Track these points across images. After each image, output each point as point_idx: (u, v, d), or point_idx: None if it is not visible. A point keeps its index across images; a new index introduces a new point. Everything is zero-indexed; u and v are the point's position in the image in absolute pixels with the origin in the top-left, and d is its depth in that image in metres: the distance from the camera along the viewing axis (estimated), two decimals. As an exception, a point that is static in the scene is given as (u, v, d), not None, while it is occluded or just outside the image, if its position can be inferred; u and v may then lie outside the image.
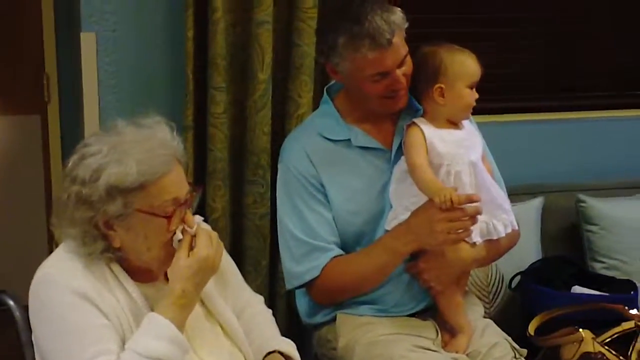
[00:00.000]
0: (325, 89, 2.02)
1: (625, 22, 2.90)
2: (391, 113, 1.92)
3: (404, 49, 1.82)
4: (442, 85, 1.85)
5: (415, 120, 1.87)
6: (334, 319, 1.95)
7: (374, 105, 1.89)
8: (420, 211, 1.81)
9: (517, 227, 1.96)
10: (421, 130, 1.84)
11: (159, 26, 2.32)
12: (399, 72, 1.82)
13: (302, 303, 2.02)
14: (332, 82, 2.05)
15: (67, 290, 1.45)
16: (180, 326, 1.47)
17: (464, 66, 1.86)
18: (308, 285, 1.93)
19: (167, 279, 1.55)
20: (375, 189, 1.91)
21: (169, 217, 1.50)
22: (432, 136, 1.83)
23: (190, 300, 1.50)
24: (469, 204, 1.74)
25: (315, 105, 2.20)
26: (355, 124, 1.93)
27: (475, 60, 1.88)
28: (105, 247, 1.50)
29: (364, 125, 1.93)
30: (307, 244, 1.89)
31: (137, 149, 1.48)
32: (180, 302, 1.48)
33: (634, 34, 2.91)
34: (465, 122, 1.93)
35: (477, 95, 1.88)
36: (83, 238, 1.49)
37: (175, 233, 1.54)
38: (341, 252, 1.91)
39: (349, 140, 1.91)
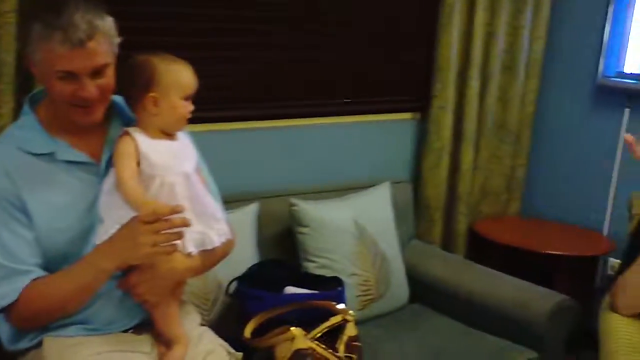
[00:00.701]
0: (26, 99, 1.90)
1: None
2: (84, 125, 1.83)
3: (103, 59, 1.75)
4: (156, 95, 1.83)
5: (129, 129, 1.83)
6: (40, 344, 1.84)
7: (65, 113, 1.80)
8: (124, 225, 1.76)
9: (231, 236, 1.99)
10: (134, 139, 1.81)
11: None
12: (90, 81, 1.75)
13: (3, 330, 1.87)
14: (34, 91, 1.95)
15: None
16: None
17: (178, 77, 1.85)
18: (6, 311, 1.80)
19: None
20: (83, 204, 1.83)
21: None
22: (145, 146, 1.80)
23: None
24: (175, 215, 1.72)
25: (17, 116, 2.07)
26: (59, 136, 1.83)
27: (190, 72, 1.87)
28: None
29: (70, 137, 1.84)
30: (4, 268, 1.76)
31: None
32: None
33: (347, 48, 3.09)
34: (180, 133, 1.92)
35: (192, 107, 1.88)
36: None
37: None
38: (43, 273, 1.80)
39: (52, 153, 1.82)
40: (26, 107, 1.88)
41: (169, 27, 2.61)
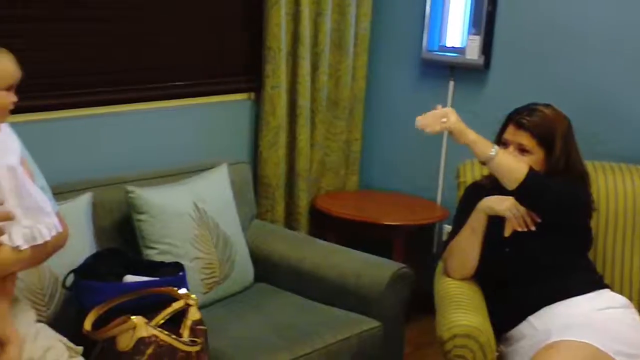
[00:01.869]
0: None
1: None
2: None
3: None
4: None
5: None
6: None
7: None
8: None
9: (62, 229, 1.94)
10: None
11: None
12: None
13: None
14: None
15: None
16: None
17: (10, 68, 1.78)
18: None
19: None
20: None
21: None
22: None
23: None
24: None
25: None
26: None
27: (11, 61, 1.80)
28: None
29: None
30: None
31: None
32: None
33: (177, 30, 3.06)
34: (2, 125, 1.84)
35: (15, 98, 1.81)
36: None
37: None
38: None
39: None
40: None
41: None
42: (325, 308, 2.80)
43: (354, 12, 3.55)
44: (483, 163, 2.35)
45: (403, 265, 2.83)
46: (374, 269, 2.80)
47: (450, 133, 2.35)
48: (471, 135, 2.32)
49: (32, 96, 2.32)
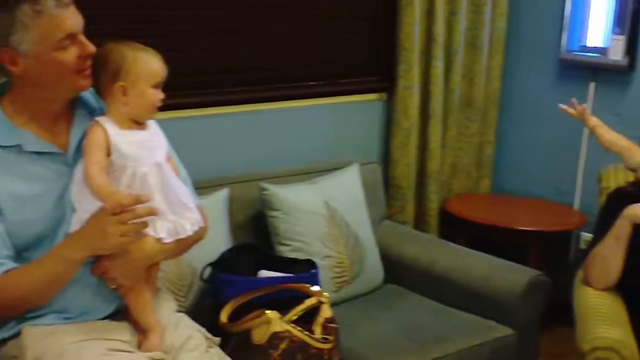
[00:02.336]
0: None
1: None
2: (85, 89, 1.86)
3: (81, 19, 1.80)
4: (124, 84, 1.81)
5: (98, 119, 1.82)
6: (18, 333, 1.83)
7: (66, 88, 1.82)
8: (93, 216, 1.76)
9: (203, 224, 1.99)
10: (104, 129, 1.80)
11: None
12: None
13: None
14: None
15: None
16: None
17: (147, 65, 1.83)
18: None
19: None
20: (53, 194, 1.83)
21: None
22: (115, 136, 1.80)
23: None
24: (141, 205, 1.72)
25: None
26: (25, 128, 1.82)
27: (159, 60, 1.86)
28: None
29: (36, 129, 1.83)
30: None
31: None
32: None
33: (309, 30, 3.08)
34: (150, 122, 1.91)
35: (162, 95, 1.87)
36: None
37: None
38: (14, 265, 1.79)
39: (19, 145, 1.80)
40: None
41: (132, 15, 2.61)
42: (457, 312, 2.75)
43: (489, 11, 3.48)
44: (632, 170, 2.25)
45: (539, 272, 2.74)
46: (509, 275, 2.72)
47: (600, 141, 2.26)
48: (622, 141, 2.22)
49: (177, 94, 2.39)
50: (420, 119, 3.40)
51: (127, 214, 1.70)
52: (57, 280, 1.81)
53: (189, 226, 1.91)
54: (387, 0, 3.27)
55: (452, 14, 3.38)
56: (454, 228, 3.44)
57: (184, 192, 1.92)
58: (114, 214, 1.70)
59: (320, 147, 3.18)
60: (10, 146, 1.80)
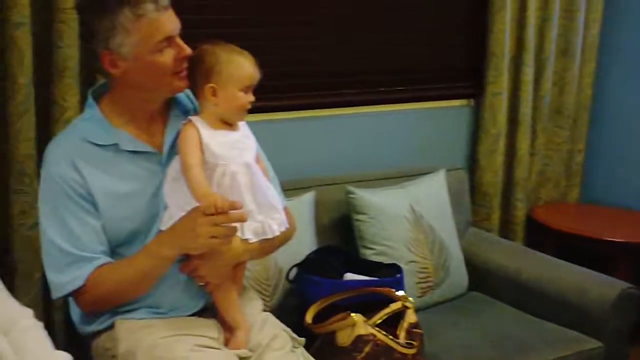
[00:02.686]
0: (89, 92, 1.96)
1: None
2: (180, 91, 1.91)
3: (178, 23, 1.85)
4: (214, 85, 1.85)
5: (192, 118, 1.87)
6: (111, 326, 1.91)
7: (163, 89, 1.88)
8: (185, 215, 1.80)
9: (289, 225, 2.00)
10: (196, 128, 1.84)
11: None
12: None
13: (75, 313, 1.96)
14: (97, 85, 2.00)
15: None
16: None
17: (238, 69, 1.86)
18: (74, 295, 1.87)
19: None
20: (147, 192, 1.88)
21: None
22: (206, 136, 1.84)
23: None
24: (233, 211, 1.75)
25: (83, 109, 2.13)
26: (122, 128, 1.89)
27: (252, 63, 1.88)
28: None
29: (132, 129, 1.90)
30: (71, 255, 1.83)
31: None
32: None
33: (399, 35, 3.09)
34: (242, 124, 1.95)
35: (252, 98, 1.89)
36: None
37: None
38: (108, 260, 1.86)
39: (116, 144, 1.87)
40: (90, 100, 1.93)
41: (227, 19, 2.67)
42: (543, 323, 2.69)
43: (582, 18, 3.40)
44: None
45: (631, 285, 2.66)
46: (598, 287, 2.65)
47: None
48: None
49: (267, 97, 2.43)
50: (509, 126, 3.35)
51: (220, 216, 1.73)
52: (149, 276, 1.86)
53: (275, 227, 1.93)
54: (477, 6, 3.24)
55: (544, 20, 3.33)
56: (541, 237, 3.37)
57: (272, 193, 1.95)
58: (207, 215, 1.73)
59: (406, 151, 3.18)
60: (108, 145, 1.87)
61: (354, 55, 3.01)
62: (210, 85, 1.85)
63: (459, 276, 2.88)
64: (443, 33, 3.22)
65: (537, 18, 3.30)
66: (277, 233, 1.94)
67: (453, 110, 3.35)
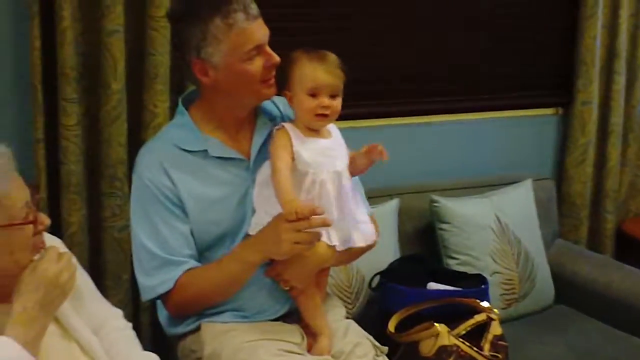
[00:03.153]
0: (180, 99, 2.00)
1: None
2: (269, 98, 1.94)
3: (267, 31, 1.87)
4: (290, 92, 1.87)
5: (284, 124, 1.89)
6: (197, 328, 1.94)
7: (252, 97, 1.90)
8: (271, 222, 1.82)
9: (374, 235, 2.00)
10: (288, 134, 1.85)
11: (3, 37, 2.23)
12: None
13: (162, 315, 2.00)
14: (187, 92, 2.05)
15: None
16: (28, 344, 1.40)
17: (306, 74, 1.84)
18: (163, 298, 1.91)
19: None
20: (235, 198, 1.91)
21: (32, 222, 1.45)
22: (297, 142, 1.84)
23: (32, 318, 1.42)
24: (315, 216, 1.74)
25: (172, 115, 2.18)
26: (211, 135, 1.92)
27: (327, 68, 1.84)
28: None
29: (221, 136, 1.93)
30: (161, 258, 1.87)
31: None
32: (21, 318, 1.41)
33: (475, 40, 3.06)
34: (335, 131, 1.94)
35: (326, 103, 1.84)
36: None
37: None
38: (196, 264, 1.90)
39: (205, 151, 1.90)
40: (181, 107, 1.97)
41: (316, 26, 2.70)
42: (631, 338, 2.61)
43: (677, 24, 3.29)
44: None
45: None
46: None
47: None
48: None
49: (352, 104, 2.43)
50: (598, 135, 3.26)
51: (302, 222, 1.74)
52: (235, 280, 1.89)
53: (360, 236, 1.93)
54: (567, 13, 3.17)
55: (636, 28, 3.23)
56: (631, 251, 3.26)
57: (358, 203, 1.95)
58: (290, 221, 1.74)
59: (492, 160, 3.12)
60: (198, 151, 1.90)
61: (441, 62, 2.98)
62: (287, 91, 1.88)
63: (545, 288, 2.82)
64: (532, 41, 3.16)
65: (630, 24, 3.21)
66: (361, 244, 1.94)
67: (540, 119, 3.28)
